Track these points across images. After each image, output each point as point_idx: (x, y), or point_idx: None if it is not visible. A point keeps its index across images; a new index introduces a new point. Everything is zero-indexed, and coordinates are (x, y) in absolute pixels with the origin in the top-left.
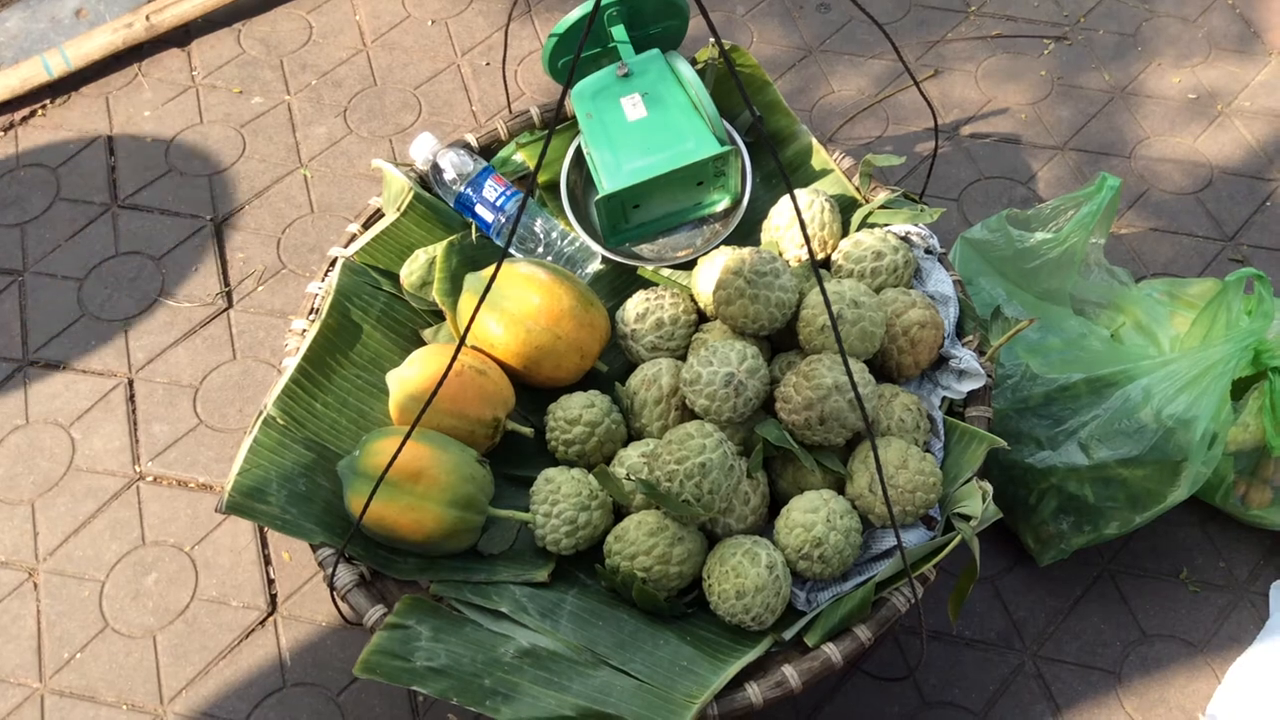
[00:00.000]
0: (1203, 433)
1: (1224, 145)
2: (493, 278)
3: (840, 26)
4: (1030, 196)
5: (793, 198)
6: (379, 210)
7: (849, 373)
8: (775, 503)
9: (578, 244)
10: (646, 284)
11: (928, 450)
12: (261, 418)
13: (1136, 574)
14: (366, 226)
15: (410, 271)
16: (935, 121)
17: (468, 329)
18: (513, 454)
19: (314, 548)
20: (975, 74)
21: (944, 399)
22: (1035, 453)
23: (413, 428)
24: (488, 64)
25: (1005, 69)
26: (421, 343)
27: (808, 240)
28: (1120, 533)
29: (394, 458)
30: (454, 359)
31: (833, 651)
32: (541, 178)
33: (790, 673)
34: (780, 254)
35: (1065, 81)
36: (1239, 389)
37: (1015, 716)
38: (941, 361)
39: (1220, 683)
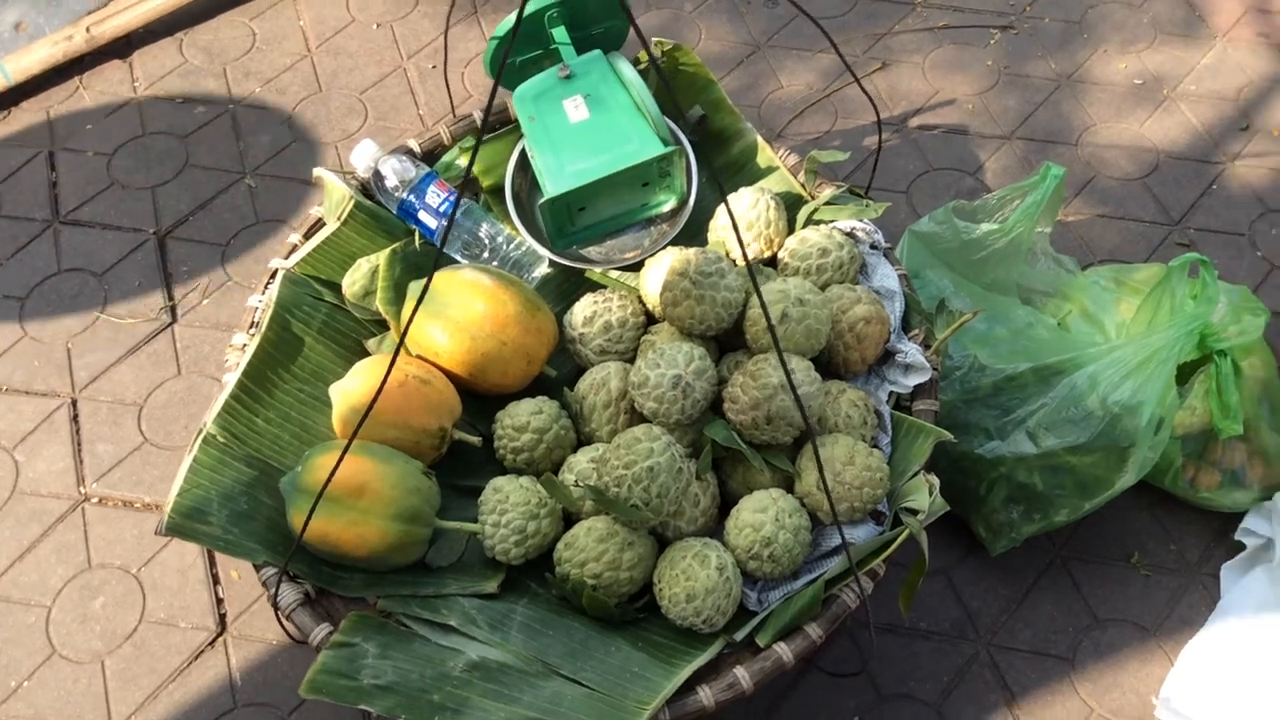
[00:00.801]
0: (1149, 418)
1: (1170, 130)
2: (427, 283)
3: (788, 21)
4: (979, 187)
5: (726, 204)
6: (320, 220)
7: (787, 372)
8: (726, 503)
9: (524, 248)
10: (595, 287)
11: (875, 445)
12: (201, 436)
13: (1088, 560)
14: (308, 236)
15: (353, 281)
16: (878, 117)
17: (404, 336)
18: (461, 464)
19: (257, 567)
20: (923, 65)
21: (891, 393)
22: (985, 443)
23: (350, 441)
24: (434, 67)
25: (952, 60)
26: (366, 353)
27: (742, 245)
28: (1070, 519)
29: (333, 472)
30: (390, 370)
31: (784, 651)
32: (487, 182)
33: (742, 674)
34: (727, 253)
35: (1012, 71)
36: (1185, 373)
37: (970, 706)
38: (888, 356)
39: (1173, 665)
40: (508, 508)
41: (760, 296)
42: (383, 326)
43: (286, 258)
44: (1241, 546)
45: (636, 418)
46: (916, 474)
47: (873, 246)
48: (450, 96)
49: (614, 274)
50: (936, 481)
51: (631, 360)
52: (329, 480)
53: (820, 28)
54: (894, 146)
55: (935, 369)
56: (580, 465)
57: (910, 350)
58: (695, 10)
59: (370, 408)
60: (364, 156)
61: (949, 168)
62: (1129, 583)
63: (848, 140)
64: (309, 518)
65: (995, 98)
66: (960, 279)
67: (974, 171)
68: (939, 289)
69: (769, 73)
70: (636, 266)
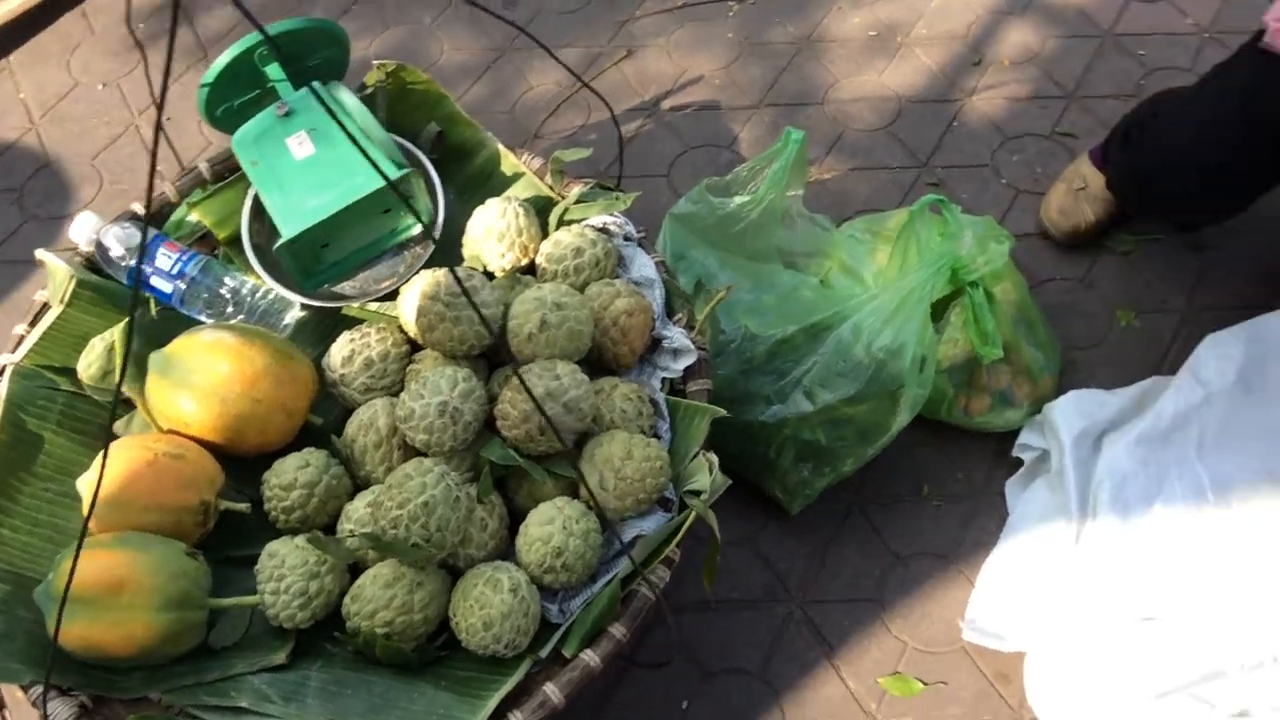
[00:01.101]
0: (913, 358)
1: (907, 75)
2: (128, 343)
3: (529, 21)
4: (735, 159)
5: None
6: (46, 305)
7: (525, 387)
8: (517, 520)
9: (271, 296)
10: (355, 323)
11: (656, 434)
12: None
13: (882, 502)
14: (34, 324)
15: (88, 364)
16: (612, 113)
17: (114, 406)
18: (233, 534)
19: (24, 689)
20: (667, 47)
21: (664, 380)
22: (766, 409)
23: (82, 537)
24: (169, 119)
25: (695, 37)
26: (114, 438)
27: (455, 275)
28: (857, 467)
29: (71, 574)
30: (103, 461)
31: (590, 657)
32: (222, 234)
33: (551, 690)
34: (483, 266)
35: (753, 40)
36: (942, 309)
37: (791, 666)
38: (656, 344)
39: (974, 587)
40: (285, 572)
41: (477, 308)
42: (130, 406)
43: (13, 351)
44: (1020, 462)
45: (411, 452)
46: (697, 455)
47: (626, 238)
48: (174, 149)
49: (372, 306)
50: (715, 459)
51: (401, 393)
52: (69, 584)
53: (538, 41)
54: (650, 131)
55: (703, 349)
56: (358, 512)
57: (676, 335)
58: (435, 22)
59: (94, 501)
60: (84, 230)
61: (705, 145)
62: (923, 516)
63: (605, 132)
64: (58, 627)
65: (740, 69)
66: (724, 254)
67: (729, 145)
68: (704, 267)
69: (517, 75)
70: (393, 295)
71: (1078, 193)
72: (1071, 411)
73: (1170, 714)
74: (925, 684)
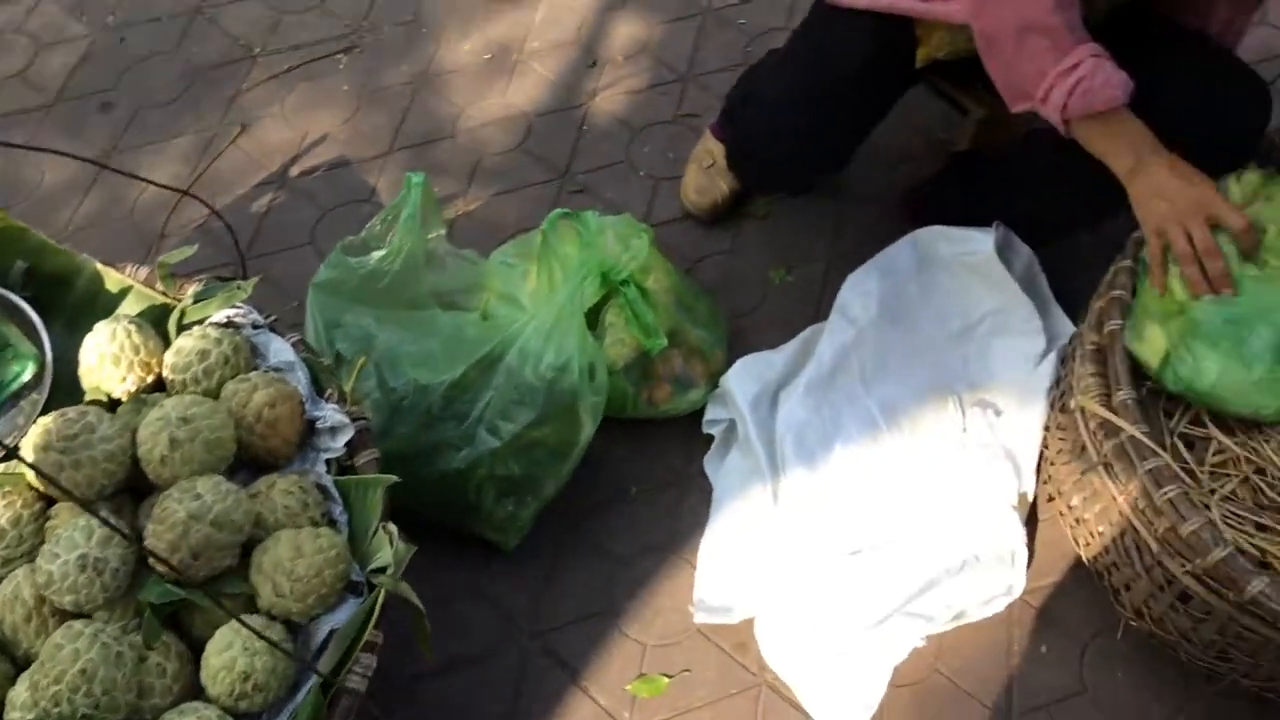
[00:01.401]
0: (580, 369)
1: (530, 90)
2: None
3: (129, 123)
4: (377, 211)
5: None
6: None
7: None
8: (199, 652)
9: None
10: None
11: (331, 520)
12: None
13: (595, 512)
14: None
15: None
16: (209, 206)
17: None
18: None
19: None
20: (283, 113)
21: (330, 461)
22: (456, 456)
23: None
24: None
25: (310, 98)
26: None
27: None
28: (560, 486)
29: None
30: None
31: None
32: None
33: None
34: (107, 395)
35: (369, 88)
36: (599, 313)
37: (539, 702)
38: (312, 427)
39: (696, 569)
40: None
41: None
42: None
43: None
44: (712, 438)
45: (67, 616)
46: (377, 530)
47: (255, 326)
48: None
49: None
50: (394, 530)
51: None
52: None
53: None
54: (283, 203)
55: (361, 418)
56: (21, 697)
57: (329, 413)
58: (29, 142)
59: None
60: None
61: (343, 204)
62: (636, 514)
63: (238, 213)
64: None
65: (364, 120)
66: (379, 311)
67: (369, 198)
68: (362, 330)
69: (120, 181)
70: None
71: (708, 170)
72: (744, 377)
73: (891, 636)
74: (670, 677)
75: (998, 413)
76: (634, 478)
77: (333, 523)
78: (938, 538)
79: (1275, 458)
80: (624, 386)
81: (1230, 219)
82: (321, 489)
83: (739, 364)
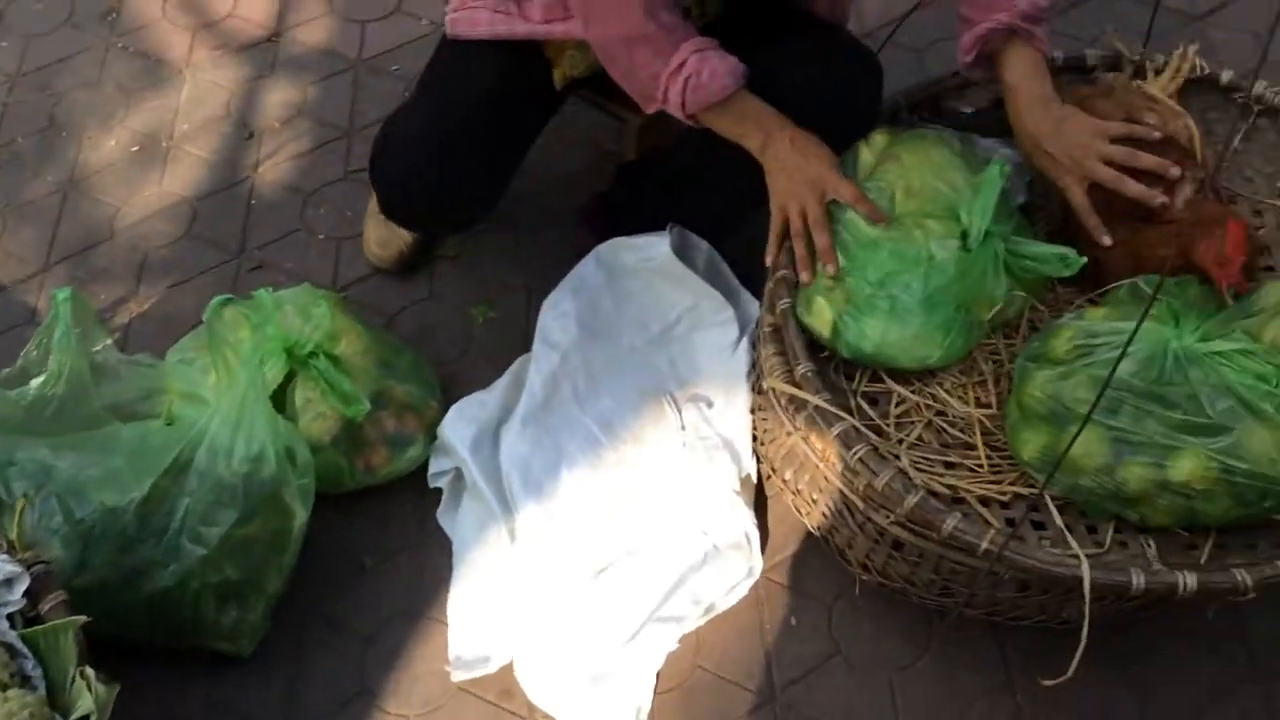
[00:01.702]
0: (276, 455)
1: (188, 174)
2: None
3: None
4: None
5: None
6: None
7: None
8: None
9: None
10: None
11: (24, 677)
12: None
13: (332, 595)
14: None
15: None
16: None
17: None
18: None
19: None
20: None
21: (13, 615)
22: (164, 573)
23: None
24: None
25: None
26: None
27: None
28: (285, 578)
29: None
30: None
31: None
32: None
33: None
34: None
35: (13, 205)
36: (285, 394)
37: None
38: None
39: (448, 627)
40: None
41: None
42: None
43: None
44: (440, 490)
45: None
46: (74, 679)
47: None
48: None
49: None
50: (91, 673)
51: None
52: None
53: None
54: None
55: (38, 562)
56: None
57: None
58: None
59: None
60: None
61: (2, 332)
62: (376, 585)
63: None
64: None
65: (12, 239)
66: (53, 440)
67: (31, 321)
68: (38, 463)
69: None
70: None
71: (386, 221)
72: (459, 422)
73: (647, 645)
74: None
75: (709, 404)
76: (366, 549)
77: (26, 679)
78: (675, 538)
79: (950, 399)
80: (335, 460)
81: (840, 191)
82: (7, 646)
83: (453, 410)
